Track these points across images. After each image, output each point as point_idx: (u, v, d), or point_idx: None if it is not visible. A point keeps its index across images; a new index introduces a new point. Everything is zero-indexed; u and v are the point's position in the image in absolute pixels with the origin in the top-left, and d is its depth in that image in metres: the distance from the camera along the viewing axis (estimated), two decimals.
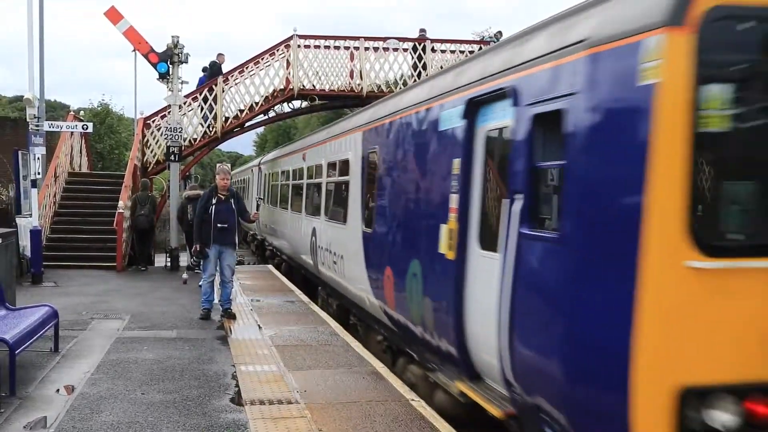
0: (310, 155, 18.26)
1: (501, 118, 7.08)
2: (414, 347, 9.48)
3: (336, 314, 14.71)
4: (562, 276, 5.61)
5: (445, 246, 8.01)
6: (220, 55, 25.58)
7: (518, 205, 6.35)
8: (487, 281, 6.97)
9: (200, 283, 17.00)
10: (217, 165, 14.05)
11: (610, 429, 5.09)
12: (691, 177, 4.80)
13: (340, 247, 13.71)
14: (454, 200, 7.85)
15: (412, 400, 8.52)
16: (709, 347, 4.90)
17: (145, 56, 20.41)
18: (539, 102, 6.15)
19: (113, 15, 20.20)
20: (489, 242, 7.20)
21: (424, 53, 25.57)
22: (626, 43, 5.15)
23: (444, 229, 8.06)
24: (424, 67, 25.56)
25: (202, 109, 24.24)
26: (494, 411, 6.78)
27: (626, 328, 4.93)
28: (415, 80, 25.59)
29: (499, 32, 26.71)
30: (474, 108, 7.68)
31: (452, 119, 8.12)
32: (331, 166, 15.38)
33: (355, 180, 12.83)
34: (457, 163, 7.82)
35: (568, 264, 5.54)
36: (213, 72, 24.93)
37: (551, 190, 6.13)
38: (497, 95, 7.09)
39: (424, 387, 9.04)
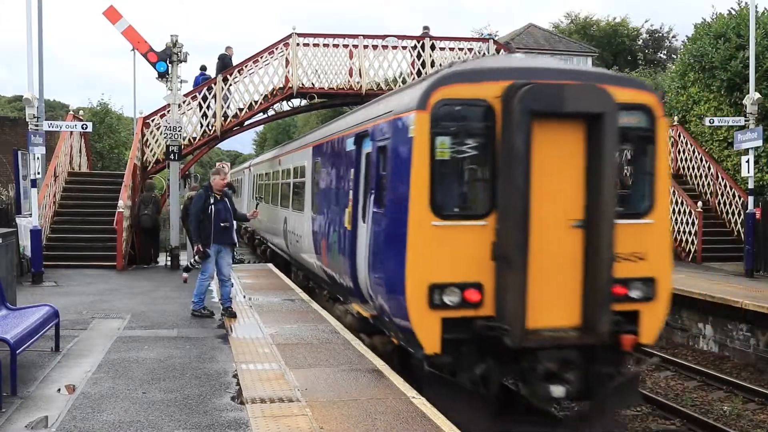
0: (283, 160, 22.37)
1: (368, 147, 11.67)
2: (338, 291, 14.11)
3: (301, 283, 19.14)
4: (385, 232, 10.18)
5: (347, 221, 12.49)
6: (228, 47, 25.69)
7: (372, 196, 11.06)
8: (363, 240, 11.42)
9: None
10: (217, 164, 14.14)
11: (401, 305, 9.56)
12: (431, 179, 9.37)
13: (300, 229, 17.83)
14: (351, 194, 12.42)
15: (413, 397, 8.53)
16: (442, 264, 9.40)
17: (144, 55, 20.40)
18: (379, 140, 10.89)
19: (112, 14, 20.18)
20: (364, 218, 11.55)
21: (423, 51, 25.58)
22: (404, 115, 9.90)
23: (346, 212, 12.59)
24: (423, 65, 25.57)
25: (201, 107, 24.25)
26: (366, 313, 11.48)
27: (403, 255, 9.49)
28: (414, 78, 25.63)
29: (496, 33, 26.86)
30: (359, 139, 12.26)
31: (350, 145, 12.80)
32: (295, 170, 19.79)
33: (308, 180, 17.47)
34: (352, 172, 12.44)
35: (387, 226, 10.14)
36: (224, 64, 25.09)
37: (384, 187, 10.49)
38: (366, 133, 11.78)
39: (343, 316, 13.51)
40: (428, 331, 9.35)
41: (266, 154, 31.36)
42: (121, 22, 20.13)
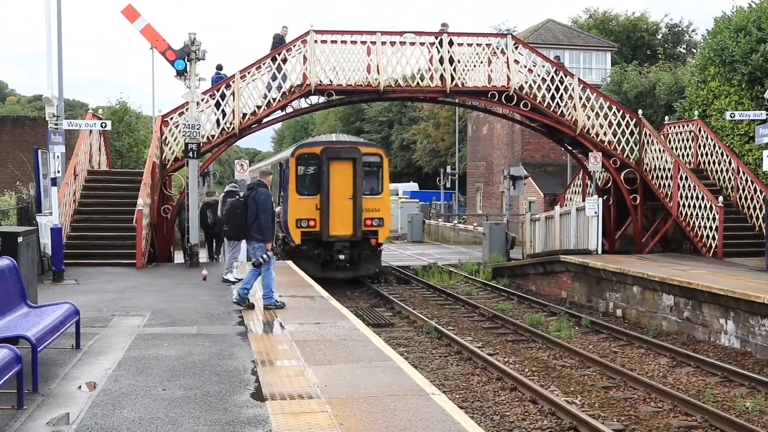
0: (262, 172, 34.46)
1: (282, 168, 28.25)
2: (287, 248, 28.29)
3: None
4: (284, 201, 26.78)
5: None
6: (284, 27, 25.86)
7: (280, 188, 28.02)
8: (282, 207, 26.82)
9: (232, 278, 17.22)
10: (263, 168, 15.36)
11: (287, 228, 26.28)
12: (296, 181, 26.41)
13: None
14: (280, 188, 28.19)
15: (433, 394, 8.51)
16: (301, 212, 26.02)
17: (163, 54, 20.46)
18: (283, 166, 28.15)
19: (130, 13, 20.25)
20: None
21: (441, 47, 25.50)
22: (288, 158, 26.79)
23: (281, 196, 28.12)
24: (441, 61, 25.50)
25: (219, 105, 24.31)
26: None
27: (287, 209, 26.15)
28: (432, 75, 25.58)
29: (514, 28, 26.97)
30: (279, 165, 29.70)
31: (278, 167, 29.43)
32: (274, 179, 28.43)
33: (274, 187, 28.18)
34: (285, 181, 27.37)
35: (285, 198, 26.87)
36: (275, 43, 25.40)
37: (283, 184, 27.38)
38: (280, 163, 29.64)
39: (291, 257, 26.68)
40: (296, 236, 25.89)
41: (257, 164, 45.48)
42: (140, 21, 20.20)
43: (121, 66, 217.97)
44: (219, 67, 26.84)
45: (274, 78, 24.58)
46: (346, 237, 25.78)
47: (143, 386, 8.71)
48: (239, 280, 17.44)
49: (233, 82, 24.35)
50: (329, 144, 26.69)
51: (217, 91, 24.37)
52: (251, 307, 13.95)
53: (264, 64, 24.76)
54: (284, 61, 24.81)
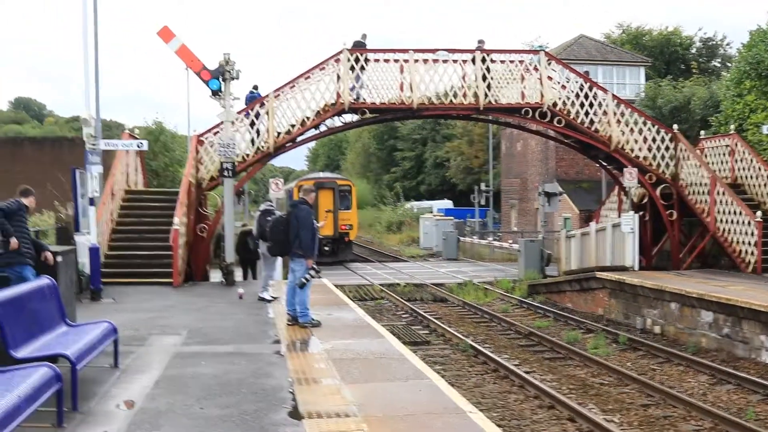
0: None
1: (291, 194, 39.74)
2: None
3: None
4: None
5: None
6: (364, 35, 26.13)
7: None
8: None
9: (268, 297, 17.33)
10: (306, 185, 17.69)
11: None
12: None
13: None
14: None
15: (471, 412, 8.46)
16: None
17: (198, 74, 20.65)
18: (289, 192, 40.64)
19: (166, 34, 20.47)
20: None
21: (474, 64, 25.50)
22: (292, 187, 42.81)
23: None
24: (474, 77, 25.49)
25: (254, 124, 24.47)
26: None
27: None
28: (465, 92, 25.57)
29: (546, 44, 26.83)
30: (289, 192, 40.42)
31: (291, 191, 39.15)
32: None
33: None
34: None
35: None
36: (356, 45, 26.04)
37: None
38: (289, 190, 41.17)
39: None
40: None
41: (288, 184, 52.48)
42: (174, 41, 20.41)
43: (157, 84, 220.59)
44: (255, 87, 27.06)
45: (258, 127, 24.93)
46: (329, 236, 39.74)
47: (181, 405, 8.75)
48: (275, 298, 17.52)
49: (267, 101, 24.50)
50: (318, 179, 43.34)
51: (252, 110, 24.53)
52: (319, 324, 14.19)
53: (298, 83, 24.90)
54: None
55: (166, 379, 9.96)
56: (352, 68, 24.84)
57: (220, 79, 20.62)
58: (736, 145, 27.34)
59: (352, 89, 24.95)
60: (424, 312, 24.78)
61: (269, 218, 15.86)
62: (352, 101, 24.83)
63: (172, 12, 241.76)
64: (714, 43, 63.16)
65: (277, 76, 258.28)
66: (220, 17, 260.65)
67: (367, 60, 25.29)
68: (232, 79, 20.78)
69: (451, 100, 25.92)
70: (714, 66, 61.74)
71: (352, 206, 42.94)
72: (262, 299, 17.56)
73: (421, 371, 10.47)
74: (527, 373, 16.12)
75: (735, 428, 12.12)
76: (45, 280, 10.14)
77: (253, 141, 24.60)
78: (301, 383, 9.75)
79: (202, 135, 24.55)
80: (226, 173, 21.18)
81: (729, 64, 55.07)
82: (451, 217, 56.57)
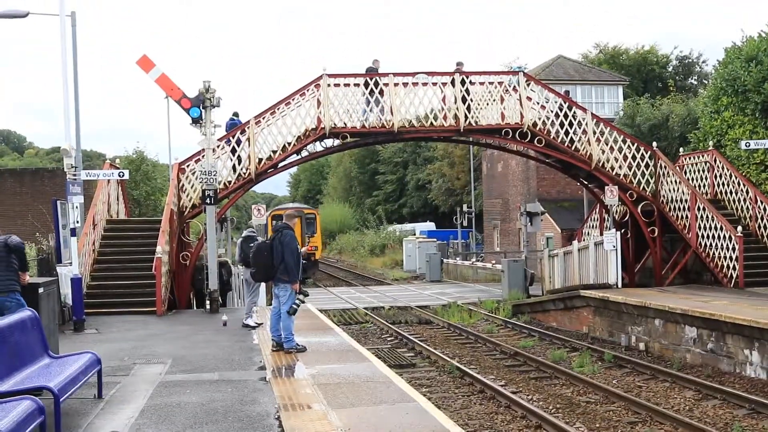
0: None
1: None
2: None
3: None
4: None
5: None
6: (375, 60, 26.18)
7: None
8: None
9: (252, 323, 17.30)
10: (289, 212, 16.27)
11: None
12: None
13: None
14: None
15: None
16: None
17: (178, 102, 20.66)
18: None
19: (145, 63, 20.48)
20: None
21: (454, 86, 25.61)
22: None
23: None
24: (454, 100, 25.59)
25: (235, 151, 24.46)
26: None
27: None
28: (445, 114, 25.67)
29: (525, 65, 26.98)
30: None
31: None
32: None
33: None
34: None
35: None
36: (368, 70, 26.11)
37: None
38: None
39: None
40: None
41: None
42: (155, 71, 20.42)
43: (137, 114, 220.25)
44: (235, 114, 27.08)
45: (239, 154, 24.89)
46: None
47: None
48: (259, 324, 17.46)
49: (248, 127, 24.51)
50: (288, 209, 42.53)
51: (233, 137, 24.53)
52: (305, 349, 14.21)
53: (278, 109, 24.92)
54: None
55: (151, 409, 9.90)
56: (371, 92, 25.11)
57: (201, 107, 20.63)
58: (715, 161, 27.56)
59: (363, 113, 25.20)
60: (410, 335, 24.74)
61: (252, 244, 15.83)
62: (333, 126, 24.86)
63: (175, 11, 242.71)
64: (690, 60, 63.80)
65: (275, 78, 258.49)
66: (219, 16, 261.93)
67: (347, 84, 25.37)
68: (213, 107, 20.79)
69: (431, 123, 26.00)
70: (691, 83, 62.33)
71: (317, 231, 55.60)
72: (247, 326, 17.50)
73: (407, 394, 10.45)
74: (514, 393, 16.10)
75: None
76: (27, 313, 10.08)
77: (234, 168, 24.57)
78: (288, 409, 9.71)
79: (183, 163, 24.51)
80: (208, 200, 21.14)
81: (706, 82, 55.68)
82: (434, 239, 56.64)
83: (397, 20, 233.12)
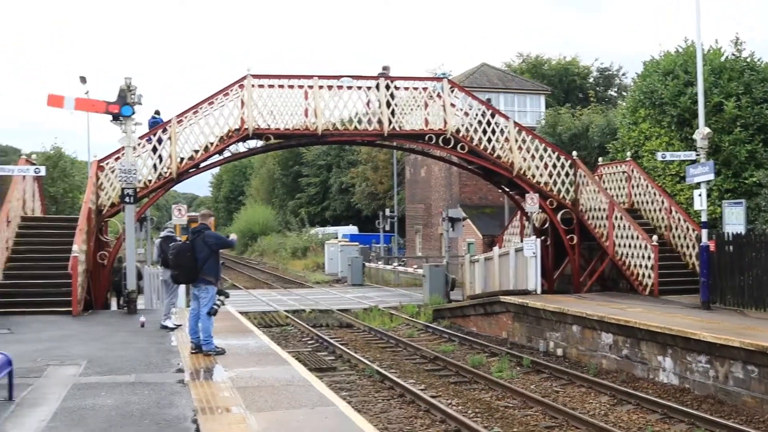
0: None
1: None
2: None
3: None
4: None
5: None
6: (386, 66, 26.01)
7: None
8: None
9: (171, 324, 17.05)
10: (204, 211, 15.51)
11: None
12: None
13: None
14: None
15: None
16: None
17: (106, 113, 20.17)
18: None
19: (55, 101, 19.80)
20: None
21: (378, 90, 25.68)
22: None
23: None
24: (379, 104, 25.66)
25: (155, 150, 24.10)
26: None
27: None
28: (369, 118, 25.73)
29: (450, 72, 27.31)
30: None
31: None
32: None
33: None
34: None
35: None
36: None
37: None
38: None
39: None
40: None
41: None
42: (68, 102, 19.88)
43: (55, 111, 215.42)
44: (157, 112, 26.71)
45: (160, 153, 24.57)
46: None
47: None
48: (178, 326, 17.22)
49: (170, 126, 24.18)
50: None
51: (154, 135, 24.17)
52: (224, 351, 14.01)
53: (201, 108, 24.65)
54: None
55: (64, 412, 9.66)
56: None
57: (129, 104, 20.22)
58: (633, 171, 28.17)
59: (365, 114, 25.13)
60: (330, 338, 24.68)
61: (171, 244, 15.59)
62: (256, 127, 24.67)
63: (175, 11, 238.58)
64: (610, 72, 65.28)
65: (195, 78, 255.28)
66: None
67: (271, 86, 25.22)
68: (134, 104, 20.45)
69: (356, 127, 26.04)
70: (611, 95, 63.73)
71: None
72: (165, 327, 17.24)
73: (327, 398, 10.41)
74: (433, 397, 16.18)
75: None
76: None
77: (155, 167, 24.21)
78: (206, 412, 9.59)
79: (102, 160, 24.05)
80: (127, 199, 20.77)
81: (625, 93, 56.86)
82: (357, 243, 56.69)
83: (325, 26, 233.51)
